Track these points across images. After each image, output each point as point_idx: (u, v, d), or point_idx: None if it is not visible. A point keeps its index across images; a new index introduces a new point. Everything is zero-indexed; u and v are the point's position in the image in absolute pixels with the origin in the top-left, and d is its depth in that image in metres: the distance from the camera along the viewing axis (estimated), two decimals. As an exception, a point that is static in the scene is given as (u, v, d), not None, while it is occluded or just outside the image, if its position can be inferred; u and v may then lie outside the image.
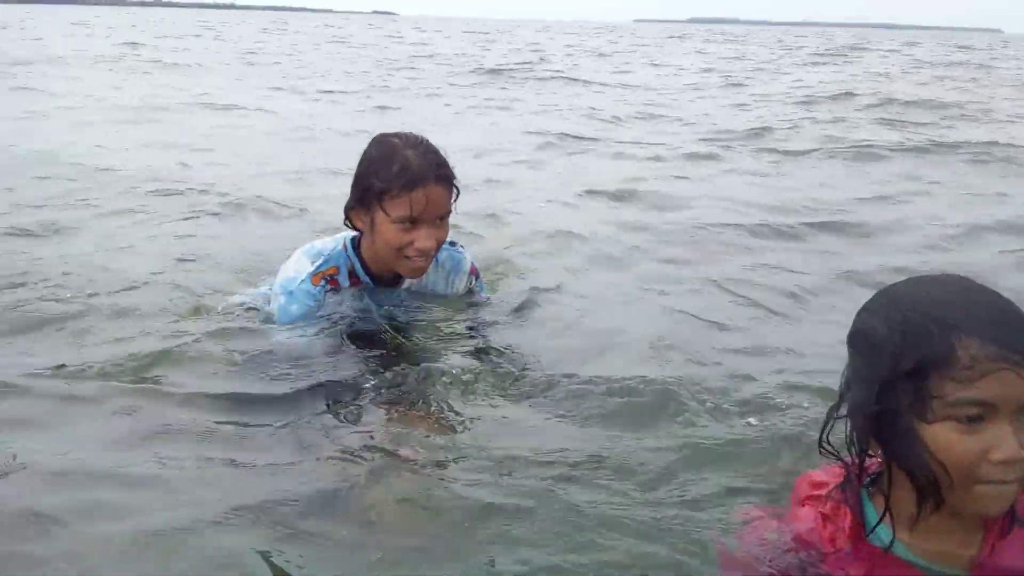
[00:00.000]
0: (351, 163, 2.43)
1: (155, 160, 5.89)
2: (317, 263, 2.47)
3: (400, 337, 2.43)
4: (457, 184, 2.41)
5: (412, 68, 16.58)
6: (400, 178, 2.30)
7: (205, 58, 17.64)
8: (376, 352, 2.38)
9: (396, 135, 2.45)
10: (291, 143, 7.14)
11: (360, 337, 2.42)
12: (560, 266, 3.64)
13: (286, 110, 9.45)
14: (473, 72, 15.53)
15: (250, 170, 5.68)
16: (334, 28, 42.53)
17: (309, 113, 9.34)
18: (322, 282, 2.46)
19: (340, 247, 2.51)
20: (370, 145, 2.46)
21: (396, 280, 2.57)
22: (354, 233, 2.51)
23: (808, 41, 41.82)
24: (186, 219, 4.23)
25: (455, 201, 2.42)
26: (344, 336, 2.41)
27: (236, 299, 2.84)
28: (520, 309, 2.83)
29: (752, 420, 2.11)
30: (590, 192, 5.31)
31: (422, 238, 2.35)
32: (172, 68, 14.76)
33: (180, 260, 3.48)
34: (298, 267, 2.47)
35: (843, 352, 1.28)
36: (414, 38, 33.14)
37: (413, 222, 2.33)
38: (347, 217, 2.46)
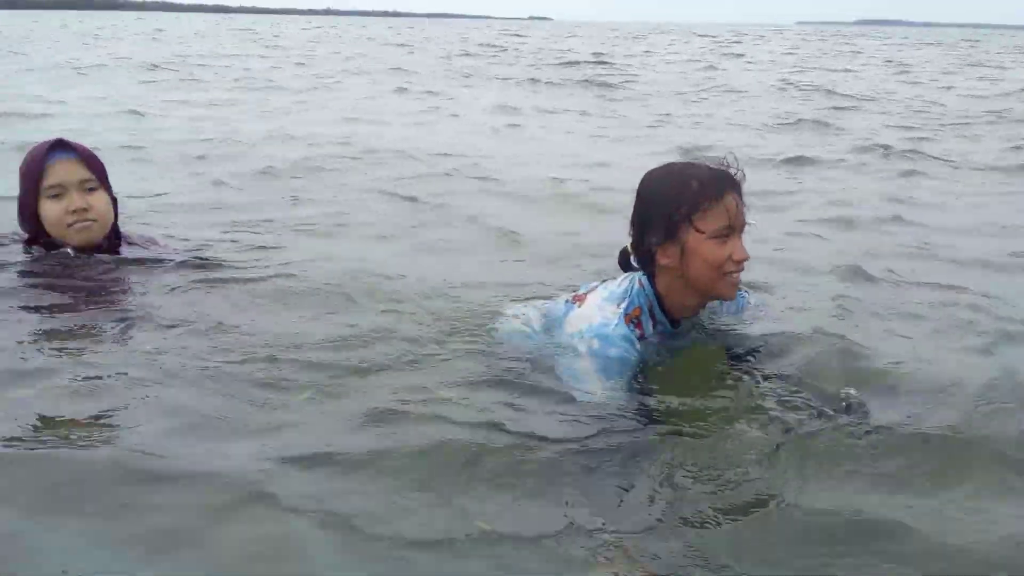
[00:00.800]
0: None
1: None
2: (623, 305, 2.47)
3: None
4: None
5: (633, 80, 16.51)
6: (705, 191, 2.35)
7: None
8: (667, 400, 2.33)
9: (666, 165, 2.51)
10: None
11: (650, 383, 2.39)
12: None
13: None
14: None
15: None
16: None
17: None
18: (631, 324, 2.46)
19: (638, 286, 2.51)
20: (650, 180, 2.48)
21: (692, 316, 2.58)
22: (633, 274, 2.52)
23: None
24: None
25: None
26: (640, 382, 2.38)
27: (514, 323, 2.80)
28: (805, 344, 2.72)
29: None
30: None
31: (739, 249, 2.38)
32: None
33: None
34: (604, 313, 2.46)
35: None
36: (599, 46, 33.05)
37: (728, 232, 2.36)
38: (648, 259, 2.46)
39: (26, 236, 3.25)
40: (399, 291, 3.29)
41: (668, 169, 2.48)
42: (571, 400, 2.33)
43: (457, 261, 3.84)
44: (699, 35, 51.80)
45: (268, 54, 22.22)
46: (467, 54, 24.05)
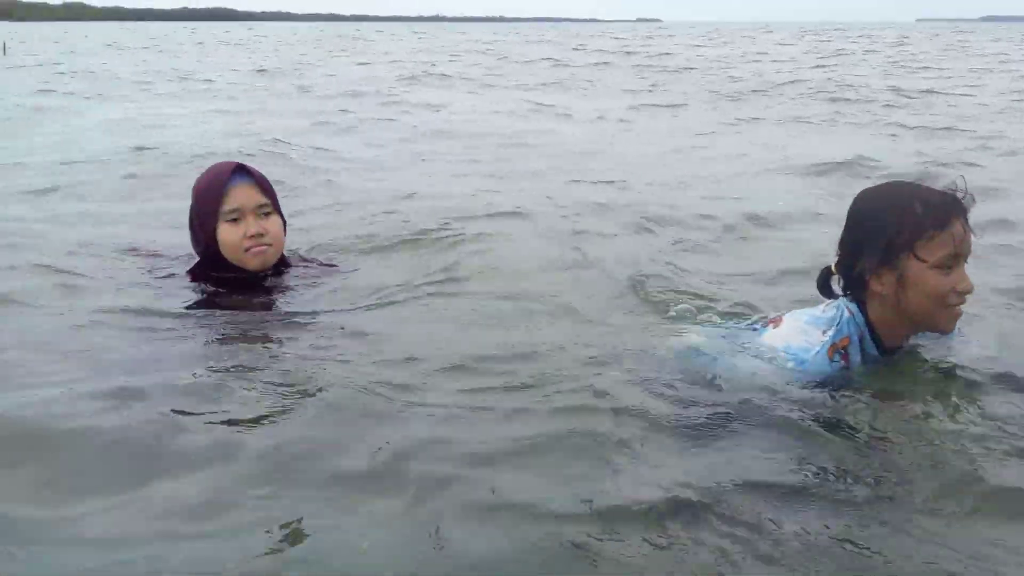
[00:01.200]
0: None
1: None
2: (830, 333, 2.32)
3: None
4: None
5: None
6: (932, 215, 2.18)
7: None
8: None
9: (886, 184, 2.37)
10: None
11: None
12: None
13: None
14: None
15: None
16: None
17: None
18: (836, 355, 2.31)
19: (847, 314, 2.35)
20: (866, 200, 2.34)
21: (901, 345, 2.42)
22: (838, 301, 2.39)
23: None
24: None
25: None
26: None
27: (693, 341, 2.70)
28: None
29: None
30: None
31: (964, 279, 2.21)
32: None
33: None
34: (808, 338, 2.33)
35: None
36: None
37: (953, 262, 2.19)
38: (859, 285, 2.32)
39: (177, 260, 3.43)
40: (564, 311, 3.24)
41: (888, 189, 2.33)
42: (739, 418, 2.20)
43: (620, 286, 3.66)
44: (812, 33, 50.24)
45: (397, 67, 22.65)
46: (571, 63, 23.88)
